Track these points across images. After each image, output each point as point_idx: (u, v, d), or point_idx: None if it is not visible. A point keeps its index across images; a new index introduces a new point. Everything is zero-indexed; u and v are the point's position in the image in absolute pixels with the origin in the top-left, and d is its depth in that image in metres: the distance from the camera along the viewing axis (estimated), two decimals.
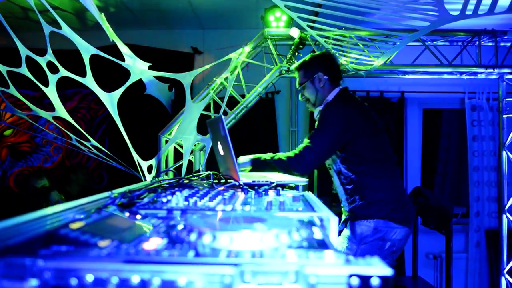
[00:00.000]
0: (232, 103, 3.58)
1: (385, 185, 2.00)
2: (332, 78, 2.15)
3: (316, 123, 2.10)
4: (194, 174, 1.70)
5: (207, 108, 3.43)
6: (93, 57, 2.39)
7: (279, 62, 3.51)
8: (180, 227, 0.69)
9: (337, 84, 2.17)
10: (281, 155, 2.05)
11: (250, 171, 2.11)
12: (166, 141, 3.39)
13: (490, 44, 3.69)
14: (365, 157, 2.00)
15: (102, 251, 0.57)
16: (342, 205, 2.18)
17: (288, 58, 3.39)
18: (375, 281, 0.49)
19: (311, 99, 2.20)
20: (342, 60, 3.08)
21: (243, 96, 3.52)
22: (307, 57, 2.24)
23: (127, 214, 0.87)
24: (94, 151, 3.16)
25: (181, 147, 3.31)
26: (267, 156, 2.09)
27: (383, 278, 0.49)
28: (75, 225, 0.70)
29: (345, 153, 2.03)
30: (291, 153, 2.03)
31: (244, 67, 3.52)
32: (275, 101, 4.57)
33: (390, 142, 2.12)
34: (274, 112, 4.58)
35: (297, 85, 2.24)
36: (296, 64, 2.26)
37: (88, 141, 3.12)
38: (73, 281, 0.49)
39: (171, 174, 3.24)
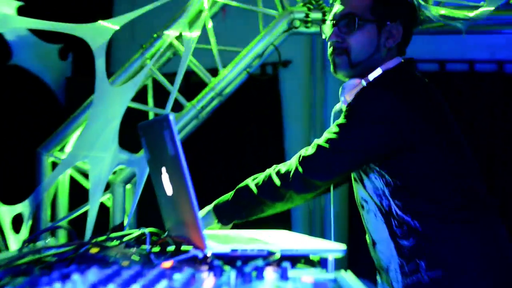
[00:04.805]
0: (193, 85, 3.58)
1: (477, 240, 1.98)
2: (405, 40, 2.23)
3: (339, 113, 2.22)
4: (112, 234, 1.67)
5: (140, 96, 3.26)
6: None
7: (287, 4, 3.29)
8: None
9: (402, 53, 2.24)
10: (261, 175, 2.14)
11: (222, 227, 2.15)
12: (54, 164, 3.24)
13: None
14: (435, 187, 2.00)
15: None
16: (383, 278, 2.16)
17: None
18: None
19: (354, 52, 2.17)
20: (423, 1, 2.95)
21: (214, 73, 3.29)
22: None
23: None
24: None
25: (86, 176, 3.20)
26: (234, 192, 2.17)
27: None
28: None
29: (399, 179, 2.00)
30: (283, 165, 2.12)
31: (217, 13, 3.39)
32: (279, 80, 4.59)
33: (477, 164, 2.14)
34: (279, 99, 4.60)
35: (334, 15, 2.20)
36: None
37: None
38: None
39: (63, 236, 3.20)
